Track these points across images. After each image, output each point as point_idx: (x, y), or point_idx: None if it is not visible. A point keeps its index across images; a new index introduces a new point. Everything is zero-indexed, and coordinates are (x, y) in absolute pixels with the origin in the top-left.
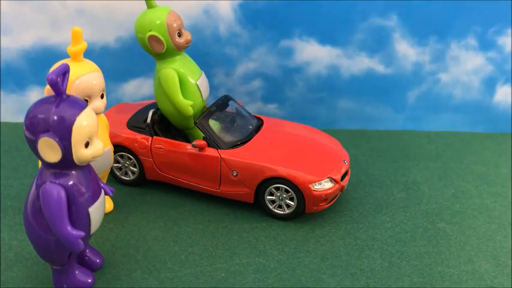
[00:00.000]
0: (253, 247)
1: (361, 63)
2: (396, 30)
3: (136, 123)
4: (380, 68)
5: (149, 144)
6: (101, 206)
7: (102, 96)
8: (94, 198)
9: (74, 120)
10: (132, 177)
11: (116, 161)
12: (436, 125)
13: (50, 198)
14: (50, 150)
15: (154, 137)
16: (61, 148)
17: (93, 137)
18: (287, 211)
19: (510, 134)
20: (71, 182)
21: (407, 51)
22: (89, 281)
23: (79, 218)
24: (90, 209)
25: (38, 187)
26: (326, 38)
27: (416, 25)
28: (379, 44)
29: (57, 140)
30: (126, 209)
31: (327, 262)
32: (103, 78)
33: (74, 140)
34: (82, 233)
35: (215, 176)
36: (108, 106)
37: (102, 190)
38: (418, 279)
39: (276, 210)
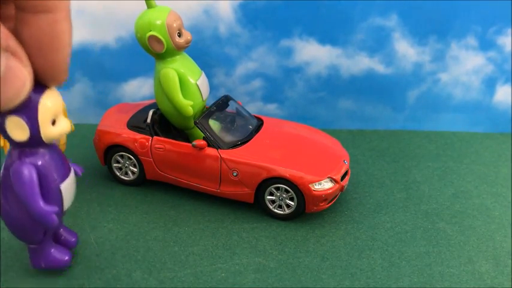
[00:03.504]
0: (253, 247)
1: (361, 63)
2: (396, 30)
3: (136, 123)
4: (380, 68)
5: (149, 144)
6: (72, 183)
7: None
8: (64, 175)
9: (39, 99)
10: (132, 177)
11: (116, 161)
12: (436, 125)
13: (21, 177)
14: (18, 129)
15: (154, 137)
16: (29, 126)
17: (58, 115)
18: (287, 211)
19: (510, 134)
20: (40, 160)
21: (407, 51)
22: (66, 258)
23: (51, 195)
24: (62, 186)
25: (7, 167)
26: (326, 38)
27: (416, 25)
28: (379, 43)
29: (24, 118)
30: (126, 209)
31: (327, 262)
32: None
33: (40, 118)
34: (56, 208)
35: (215, 176)
36: (108, 106)
37: (72, 168)
38: (418, 279)
39: (276, 210)
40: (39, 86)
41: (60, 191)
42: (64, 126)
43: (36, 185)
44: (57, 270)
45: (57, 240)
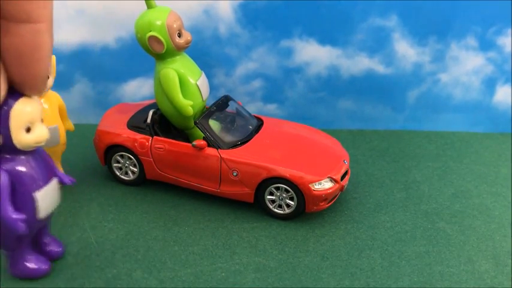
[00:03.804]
0: (253, 247)
1: (361, 63)
2: (396, 30)
3: (136, 123)
4: (380, 68)
5: (149, 144)
6: (51, 192)
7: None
8: (43, 183)
9: (12, 106)
10: (132, 177)
11: (116, 161)
12: (436, 125)
13: None
14: None
15: (155, 137)
16: (1, 132)
17: (35, 122)
18: (287, 211)
19: (510, 134)
20: (17, 166)
21: (407, 51)
22: (44, 267)
23: (23, 202)
24: (37, 194)
25: None
26: (326, 38)
27: (416, 25)
28: (379, 44)
29: None
30: (126, 208)
31: (327, 262)
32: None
33: (12, 125)
34: (22, 216)
35: (215, 176)
36: (108, 106)
37: (56, 176)
38: (418, 278)
39: (276, 210)
40: (16, 93)
41: (33, 199)
42: (40, 134)
43: (6, 191)
44: (34, 279)
45: (42, 250)
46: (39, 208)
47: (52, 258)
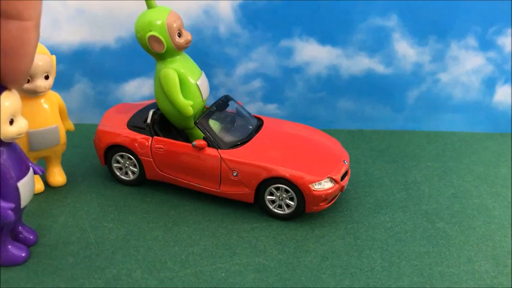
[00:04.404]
0: (253, 247)
1: (361, 63)
2: (396, 30)
3: (136, 123)
4: (380, 68)
5: (149, 144)
6: (30, 182)
7: (47, 78)
8: (22, 173)
9: None
10: (132, 177)
11: (116, 161)
12: (436, 125)
13: None
14: None
15: (155, 137)
16: None
17: (17, 115)
18: (287, 211)
19: (510, 134)
20: None
21: (407, 51)
22: (23, 255)
23: (8, 192)
24: (19, 184)
25: None
26: (326, 38)
27: (416, 25)
28: (379, 44)
29: None
30: (126, 209)
31: (327, 262)
32: (50, 62)
33: None
34: (12, 204)
35: (215, 176)
36: (108, 106)
37: (31, 168)
38: (418, 279)
39: (276, 210)
40: None
41: (17, 189)
42: (22, 126)
43: None
44: (14, 266)
45: (16, 238)
46: (21, 197)
47: (27, 245)
